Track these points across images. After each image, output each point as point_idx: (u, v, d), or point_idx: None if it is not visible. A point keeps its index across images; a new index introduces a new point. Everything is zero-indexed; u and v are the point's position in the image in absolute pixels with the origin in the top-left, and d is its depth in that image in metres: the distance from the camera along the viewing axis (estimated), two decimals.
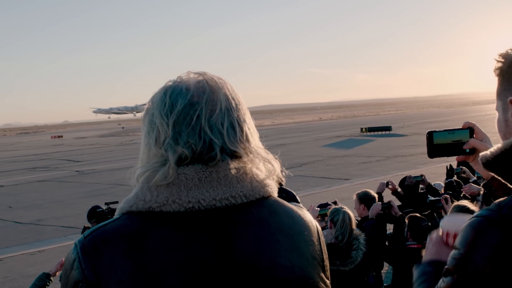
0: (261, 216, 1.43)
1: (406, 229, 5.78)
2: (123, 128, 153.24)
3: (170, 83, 1.47)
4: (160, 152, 1.39)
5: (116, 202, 7.32)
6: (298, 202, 3.06)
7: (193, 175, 1.37)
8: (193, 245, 1.34)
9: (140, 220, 1.36)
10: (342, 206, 5.69)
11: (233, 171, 1.41)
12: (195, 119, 1.39)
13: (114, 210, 7.11)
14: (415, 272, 1.93)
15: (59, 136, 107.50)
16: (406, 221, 5.82)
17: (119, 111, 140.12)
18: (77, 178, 28.18)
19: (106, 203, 7.24)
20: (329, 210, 5.91)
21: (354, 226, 5.50)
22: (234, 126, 1.44)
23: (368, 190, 7.01)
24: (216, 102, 1.42)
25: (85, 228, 7.09)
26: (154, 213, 1.36)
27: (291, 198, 4.48)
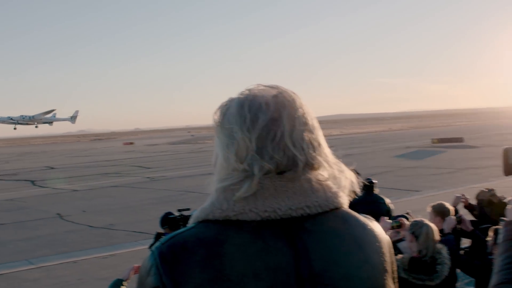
0: (335, 226, 1.45)
1: (491, 242, 5.60)
2: (192, 136, 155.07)
3: (243, 96, 1.50)
4: (242, 166, 1.42)
5: (188, 209, 7.40)
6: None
7: (269, 185, 1.40)
8: (270, 253, 1.36)
9: (218, 228, 1.39)
10: (423, 219, 5.58)
11: (308, 182, 1.44)
12: (279, 135, 1.42)
13: (186, 217, 7.19)
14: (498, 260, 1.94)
15: (130, 143, 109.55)
16: (491, 233, 5.64)
17: (12, 120, 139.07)
18: (148, 185, 28.66)
19: (178, 210, 7.33)
20: (402, 222, 5.81)
21: (437, 239, 5.38)
22: (312, 139, 1.47)
23: (443, 202, 6.85)
24: (295, 117, 1.46)
25: (158, 234, 7.21)
26: (230, 221, 1.39)
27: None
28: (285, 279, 1.35)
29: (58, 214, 20.16)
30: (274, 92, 1.49)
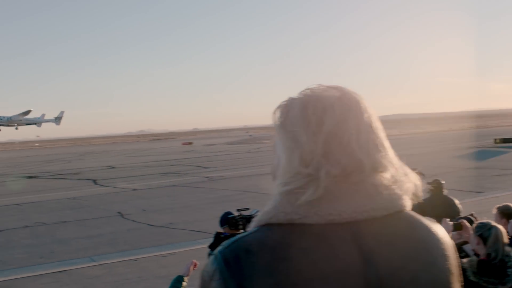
0: (401, 229, 1.42)
1: None
2: (251, 136, 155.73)
3: (306, 97, 1.46)
4: (307, 171, 1.38)
5: (247, 209, 7.41)
6: None
7: (334, 189, 1.37)
8: (337, 257, 1.33)
9: (282, 231, 1.37)
10: (490, 221, 5.41)
11: (373, 185, 1.40)
12: (346, 139, 1.39)
13: (245, 217, 7.20)
14: None
15: (189, 143, 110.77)
16: None
17: None
18: (206, 184, 28.87)
19: (238, 210, 7.36)
20: (463, 224, 5.65)
21: (506, 242, 5.20)
22: (377, 142, 1.44)
23: (510, 204, 6.64)
24: (360, 120, 1.43)
25: (217, 234, 7.24)
26: (294, 225, 1.36)
27: None
28: (353, 284, 1.32)
29: (119, 212, 20.55)
30: (337, 93, 1.45)
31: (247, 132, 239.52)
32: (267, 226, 1.39)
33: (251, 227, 1.45)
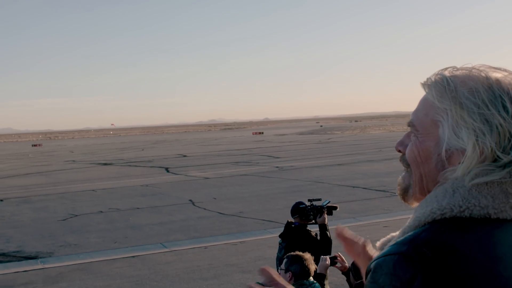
0: None
1: None
2: (321, 126, 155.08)
3: (483, 76, 1.34)
4: (508, 158, 1.28)
5: (319, 199, 7.37)
6: None
7: None
8: None
9: (484, 227, 1.27)
10: None
11: None
12: None
13: (316, 207, 7.16)
14: None
15: (260, 133, 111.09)
16: None
17: None
18: (277, 174, 28.83)
19: (309, 200, 7.32)
20: None
21: None
22: None
23: None
24: None
25: (288, 223, 7.23)
26: (490, 219, 1.28)
27: None
28: None
29: (190, 200, 20.75)
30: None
31: (317, 122, 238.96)
32: (453, 222, 1.28)
33: (424, 222, 1.32)
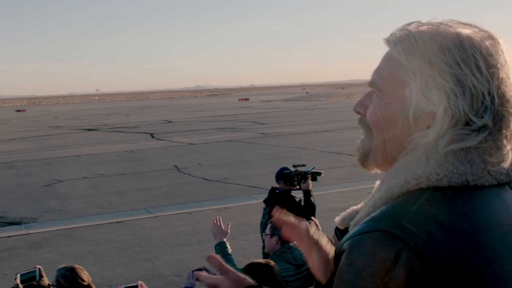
0: None
1: None
2: (307, 93, 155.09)
3: (452, 32, 1.24)
4: (481, 122, 1.19)
5: (304, 165, 7.36)
6: None
7: (500, 143, 1.22)
8: None
9: (466, 195, 1.18)
10: None
11: None
12: (503, 85, 1.21)
13: (301, 173, 7.15)
14: None
15: (245, 99, 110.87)
16: None
17: None
18: (262, 140, 28.84)
19: (294, 165, 7.31)
20: None
21: None
22: None
23: None
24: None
25: (272, 189, 7.23)
26: (469, 187, 1.18)
27: None
28: None
29: (175, 166, 20.76)
30: (484, 34, 1.26)
31: (303, 89, 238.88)
32: (431, 192, 1.17)
33: (399, 193, 1.21)
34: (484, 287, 1.08)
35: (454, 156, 1.19)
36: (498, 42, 1.24)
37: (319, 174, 7.33)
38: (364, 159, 1.41)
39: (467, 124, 1.19)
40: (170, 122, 48.98)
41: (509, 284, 1.11)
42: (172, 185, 17.03)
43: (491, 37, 1.25)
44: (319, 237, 1.54)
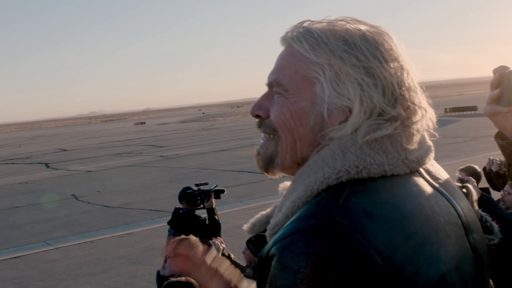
0: (440, 172, 1.37)
1: None
2: (203, 113, 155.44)
3: (361, 30, 1.25)
4: (394, 111, 1.21)
5: (206, 184, 7.36)
6: None
7: (410, 132, 1.25)
8: (439, 208, 1.21)
9: (387, 184, 1.19)
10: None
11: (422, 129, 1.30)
12: (411, 75, 1.27)
13: (204, 191, 7.15)
14: None
15: (142, 123, 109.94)
16: None
17: None
18: (161, 163, 28.65)
19: (196, 184, 7.30)
20: None
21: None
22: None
23: (471, 165, 6.89)
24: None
25: (176, 209, 7.18)
26: (386, 177, 1.19)
27: None
28: (454, 221, 1.23)
29: (73, 195, 20.23)
30: (380, 29, 1.29)
31: (199, 110, 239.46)
32: (351, 186, 1.16)
33: (318, 188, 1.18)
34: (419, 272, 1.09)
35: (370, 147, 1.19)
36: (392, 37, 1.28)
37: (222, 191, 7.35)
38: (269, 164, 1.35)
39: (380, 115, 1.21)
40: (65, 150, 47.79)
41: (441, 266, 1.13)
42: (71, 214, 16.57)
43: (385, 33, 1.28)
44: (219, 264, 1.50)
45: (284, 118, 1.28)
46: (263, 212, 1.44)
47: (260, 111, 1.34)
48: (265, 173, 1.38)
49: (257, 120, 1.37)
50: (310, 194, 1.18)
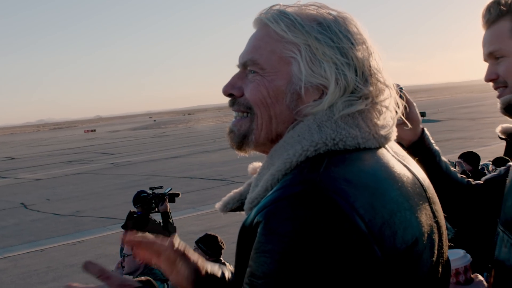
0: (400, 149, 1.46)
1: None
2: (155, 121, 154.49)
3: (332, 13, 1.33)
4: (366, 89, 1.29)
5: (161, 187, 7.32)
6: None
7: (371, 110, 1.33)
8: (407, 179, 1.29)
9: (359, 157, 1.26)
10: None
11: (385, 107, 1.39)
12: (372, 58, 1.33)
13: (158, 195, 7.10)
14: None
15: (92, 130, 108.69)
16: None
17: None
18: (112, 170, 28.40)
19: (150, 188, 7.26)
20: None
21: None
22: None
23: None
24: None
25: (130, 213, 7.10)
26: (360, 150, 1.26)
27: None
28: (420, 192, 1.31)
29: (22, 203, 19.91)
30: (346, 15, 1.36)
31: (150, 117, 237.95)
32: (330, 156, 1.22)
33: (297, 157, 1.23)
34: (396, 235, 1.15)
35: (344, 122, 1.26)
36: (358, 23, 1.35)
37: (177, 195, 7.33)
38: (242, 141, 1.38)
39: (352, 93, 1.28)
40: (13, 158, 46.96)
41: (415, 230, 1.21)
42: (20, 223, 16.29)
43: (352, 19, 1.35)
44: (185, 248, 1.50)
45: (261, 95, 1.33)
46: (236, 190, 1.47)
47: (234, 89, 1.38)
48: (237, 151, 1.41)
49: (229, 99, 1.40)
50: (290, 166, 1.24)
